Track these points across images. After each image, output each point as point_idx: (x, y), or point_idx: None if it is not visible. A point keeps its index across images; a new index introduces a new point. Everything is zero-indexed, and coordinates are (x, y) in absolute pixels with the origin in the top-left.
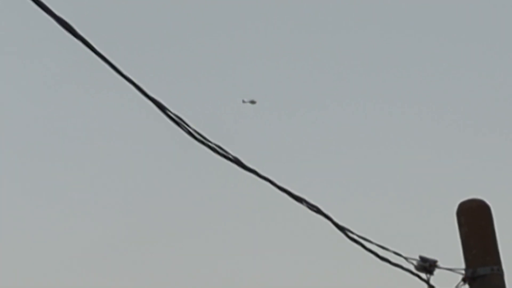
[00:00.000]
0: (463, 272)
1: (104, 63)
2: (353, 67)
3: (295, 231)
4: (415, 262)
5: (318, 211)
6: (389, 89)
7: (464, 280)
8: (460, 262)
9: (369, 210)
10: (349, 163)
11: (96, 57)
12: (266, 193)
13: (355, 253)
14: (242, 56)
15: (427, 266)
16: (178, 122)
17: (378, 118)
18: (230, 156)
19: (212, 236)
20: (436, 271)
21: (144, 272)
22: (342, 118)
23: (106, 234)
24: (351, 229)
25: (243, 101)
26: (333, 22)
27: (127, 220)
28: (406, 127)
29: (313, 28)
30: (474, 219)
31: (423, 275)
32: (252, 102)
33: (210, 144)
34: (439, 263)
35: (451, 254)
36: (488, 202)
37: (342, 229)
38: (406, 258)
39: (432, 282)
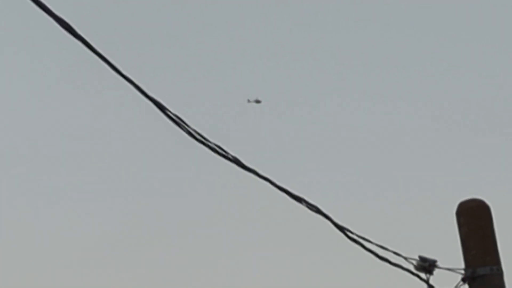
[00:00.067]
0: (462, 272)
1: (104, 63)
2: (353, 67)
3: (295, 231)
4: (414, 262)
5: (317, 211)
6: (389, 89)
7: (464, 280)
8: (459, 262)
9: (368, 210)
10: (348, 163)
11: (96, 57)
12: (265, 193)
13: (354, 253)
14: (241, 56)
15: (426, 266)
16: (178, 122)
17: (378, 118)
18: (230, 156)
19: (211, 236)
20: (436, 271)
21: (143, 272)
22: (341, 118)
23: (106, 234)
24: (351, 229)
25: (248, 101)
26: (333, 22)
27: (127, 220)
28: (406, 127)
29: (313, 28)
30: (474, 219)
31: (423, 275)
32: (257, 101)
33: (209, 144)
34: (439, 263)
35: (450, 254)
36: (487, 202)
37: (341, 229)
38: (405, 258)
39: (431, 282)
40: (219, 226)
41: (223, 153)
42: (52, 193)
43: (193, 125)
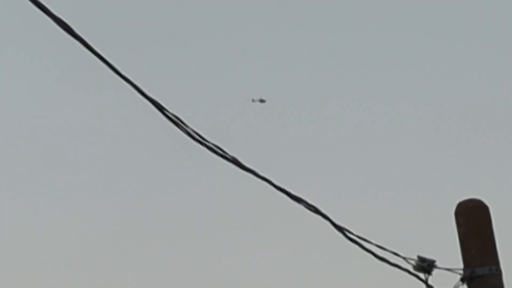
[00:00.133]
0: (461, 272)
1: (103, 63)
2: (353, 67)
3: (294, 231)
4: (413, 262)
5: (316, 211)
6: (389, 89)
7: (463, 280)
8: (458, 262)
9: (367, 210)
10: (347, 164)
11: (95, 57)
12: (264, 193)
13: (353, 253)
14: (240, 56)
15: (425, 266)
16: (176, 122)
17: (377, 118)
18: (228, 156)
19: (210, 236)
20: (435, 271)
21: (143, 272)
22: (340, 119)
23: (106, 234)
24: (350, 229)
25: (253, 100)
26: (333, 22)
27: (127, 220)
28: (405, 127)
29: (313, 28)
30: (473, 219)
31: (422, 275)
32: (262, 101)
33: (208, 144)
34: (438, 263)
35: (449, 254)
36: (486, 202)
37: (340, 229)
38: (404, 258)
39: (430, 282)
40: (218, 226)
41: (222, 153)
42: (52, 193)
43: (192, 125)
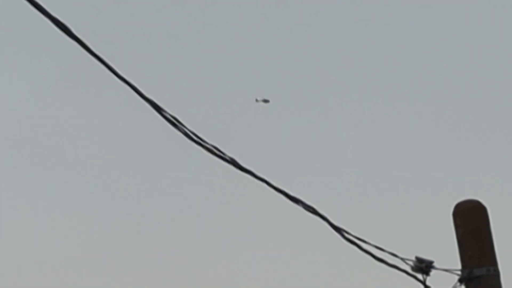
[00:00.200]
0: (459, 273)
1: (100, 64)
2: (352, 67)
3: (291, 232)
4: (411, 263)
5: (314, 212)
6: (386, 90)
7: (460, 281)
8: (456, 263)
9: (365, 210)
10: (345, 164)
11: (92, 58)
12: (262, 194)
13: (351, 254)
14: (239, 56)
15: (423, 267)
16: (174, 123)
17: (374, 118)
18: (227, 157)
19: (208, 237)
20: (432, 272)
21: (143, 272)
22: (338, 119)
23: (105, 234)
24: (348, 230)
25: (257, 100)
26: (333, 22)
27: (125, 220)
28: (403, 128)
29: (313, 28)
30: (470, 220)
31: (419, 276)
32: (265, 101)
33: (206, 145)
34: (435, 264)
35: (447, 255)
36: (484, 203)
37: (338, 230)
38: (402, 259)
39: (428, 283)
40: (218, 226)
41: (220, 154)
42: (52, 193)
43: (190, 126)
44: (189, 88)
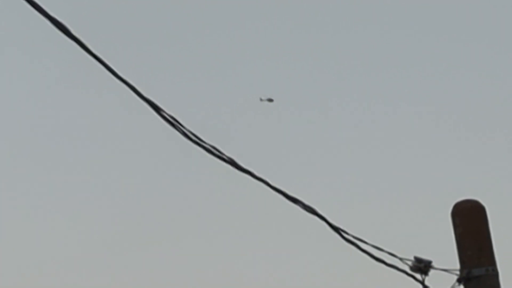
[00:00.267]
0: (458, 272)
1: (99, 64)
2: (352, 67)
3: (290, 232)
4: (410, 263)
5: (313, 212)
6: (386, 90)
7: (459, 280)
8: (455, 263)
9: (364, 211)
10: (344, 164)
11: (91, 58)
12: (261, 194)
13: (350, 254)
14: (239, 56)
15: (422, 266)
16: (173, 123)
17: (374, 118)
18: (225, 157)
19: (208, 237)
20: (431, 272)
21: (143, 272)
22: (338, 119)
23: (105, 234)
24: (346, 230)
25: (261, 99)
26: (333, 22)
27: (125, 220)
28: (402, 128)
29: (313, 28)
30: (469, 220)
31: (418, 276)
32: (270, 100)
33: (205, 145)
34: (434, 264)
35: (446, 255)
36: (483, 203)
37: (337, 229)
38: (401, 259)
39: (427, 282)
40: (218, 226)
41: (219, 154)
42: (52, 193)
43: (189, 126)
44: (188, 88)
